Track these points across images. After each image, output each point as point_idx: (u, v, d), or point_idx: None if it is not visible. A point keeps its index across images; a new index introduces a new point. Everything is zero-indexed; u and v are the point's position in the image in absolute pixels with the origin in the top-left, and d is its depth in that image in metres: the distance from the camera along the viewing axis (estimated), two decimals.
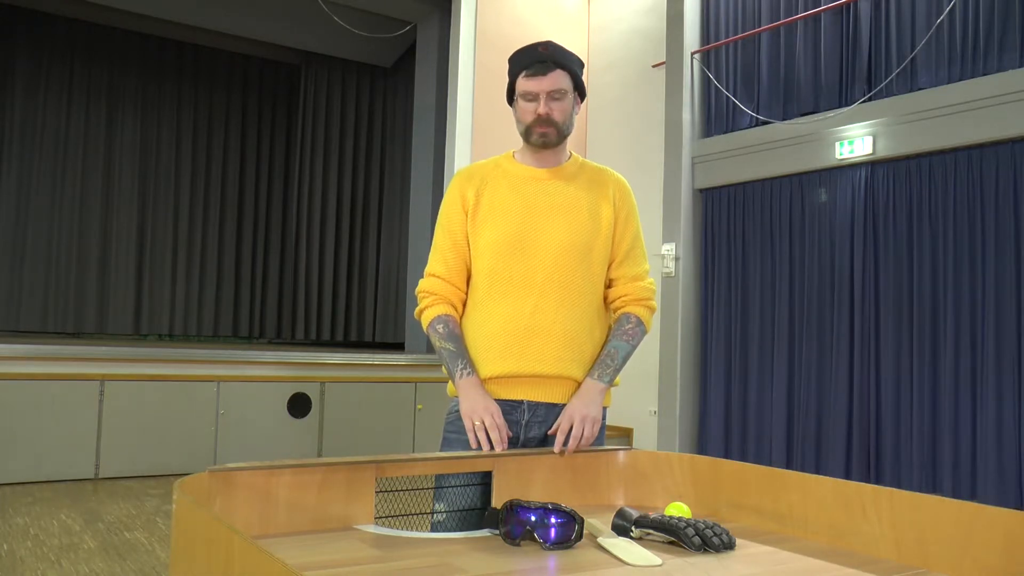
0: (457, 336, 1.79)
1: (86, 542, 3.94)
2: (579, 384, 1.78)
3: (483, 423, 1.63)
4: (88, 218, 9.09)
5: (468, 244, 1.84)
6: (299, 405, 6.29)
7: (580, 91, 1.84)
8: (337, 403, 6.42)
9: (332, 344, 9.49)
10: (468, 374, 1.73)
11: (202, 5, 8.09)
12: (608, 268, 1.87)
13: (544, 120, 1.77)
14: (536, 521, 1.29)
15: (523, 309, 1.76)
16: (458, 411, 1.75)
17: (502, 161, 1.90)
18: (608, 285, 1.88)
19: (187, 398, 5.87)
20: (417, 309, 1.87)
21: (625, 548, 1.27)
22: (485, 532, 1.38)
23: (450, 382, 1.81)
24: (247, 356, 6.32)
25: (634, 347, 1.82)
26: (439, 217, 1.90)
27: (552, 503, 1.32)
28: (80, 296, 9.04)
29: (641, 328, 1.83)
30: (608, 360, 1.77)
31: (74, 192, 9.03)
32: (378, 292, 9.50)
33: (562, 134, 1.81)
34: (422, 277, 1.87)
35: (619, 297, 1.86)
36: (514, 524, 1.31)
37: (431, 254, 1.89)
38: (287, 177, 10.31)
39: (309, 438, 6.30)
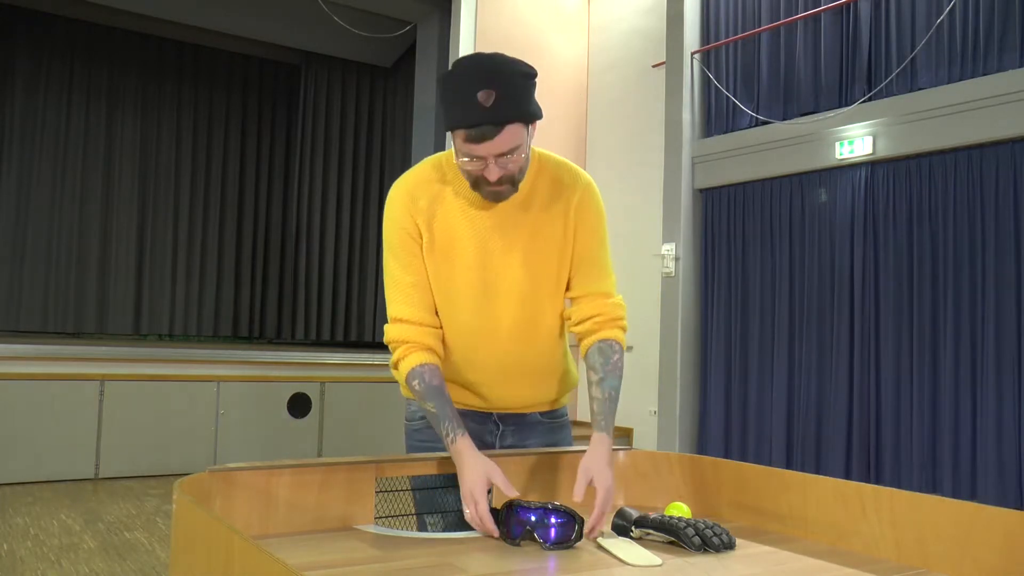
0: (437, 389, 1.52)
1: (86, 542, 3.94)
2: (549, 400, 1.74)
3: (475, 511, 1.38)
4: (88, 218, 9.09)
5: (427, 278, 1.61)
6: (299, 405, 6.29)
7: (535, 118, 1.48)
8: (337, 403, 6.42)
9: (332, 344, 9.49)
10: (460, 436, 1.46)
11: (202, 5, 8.09)
12: (568, 281, 1.64)
13: (496, 182, 1.46)
14: (536, 521, 1.29)
15: (489, 358, 1.63)
16: (422, 417, 1.68)
17: (448, 174, 1.59)
18: (571, 298, 1.65)
19: (187, 398, 5.87)
20: (391, 360, 1.62)
21: (625, 548, 1.27)
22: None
23: (402, 386, 1.67)
24: (247, 356, 6.33)
25: (621, 379, 1.61)
26: (388, 246, 1.62)
27: (552, 503, 1.32)
28: (80, 296, 9.04)
29: (623, 356, 1.62)
30: (609, 405, 1.56)
31: (74, 192, 9.03)
32: (378, 292, 9.49)
33: (518, 183, 1.51)
34: (386, 322, 1.63)
35: (589, 318, 1.61)
36: (514, 524, 1.31)
37: (390, 293, 1.63)
38: (287, 177, 10.30)
39: (309, 438, 6.30)
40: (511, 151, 1.43)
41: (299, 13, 7.85)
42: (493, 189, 1.47)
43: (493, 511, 1.36)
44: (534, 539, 1.29)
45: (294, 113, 10.13)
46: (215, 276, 9.86)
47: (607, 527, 1.39)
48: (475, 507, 1.37)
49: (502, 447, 1.71)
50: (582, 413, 6.51)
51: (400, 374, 1.59)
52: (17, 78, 8.76)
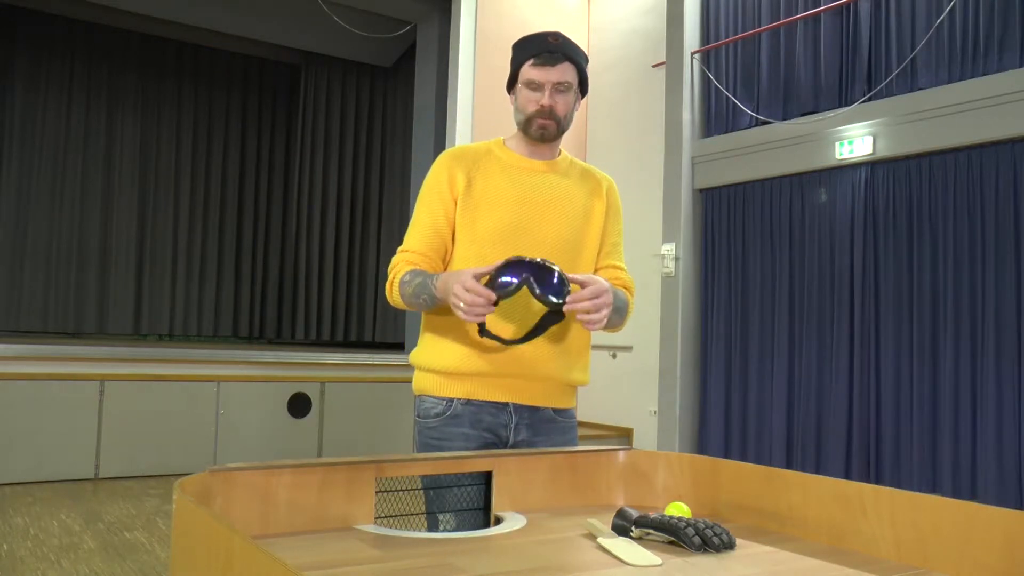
0: (419, 273, 1.69)
1: (86, 542, 3.94)
2: (559, 385, 1.79)
3: (461, 301, 1.52)
4: (88, 218, 9.10)
5: (451, 229, 1.76)
6: (299, 405, 6.29)
7: (584, 87, 1.80)
8: (337, 403, 6.42)
9: (332, 344, 9.49)
10: (438, 278, 1.64)
11: (202, 5, 8.09)
12: (596, 261, 1.86)
13: (547, 112, 1.72)
14: (523, 276, 1.32)
15: (506, 306, 1.69)
16: (436, 414, 1.74)
17: (493, 147, 1.82)
18: (597, 268, 1.86)
19: (187, 398, 5.87)
20: (387, 284, 1.77)
21: (625, 548, 1.27)
22: (486, 531, 1.37)
23: (415, 376, 1.77)
24: (247, 356, 6.33)
25: (627, 305, 1.79)
26: (422, 195, 1.79)
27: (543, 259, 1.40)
28: (80, 296, 9.04)
29: (631, 305, 1.82)
30: (616, 293, 1.71)
31: (74, 192, 9.03)
32: (378, 292, 9.49)
33: (561, 129, 1.76)
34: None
35: (610, 280, 1.81)
36: (507, 273, 1.33)
37: (409, 231, 1.78)
38: (287, 177, 10.31)
39: (309, 438, 6.30)
40: (565, 85, 1.73)
41: (299, 13, 7.86)
42: (543, 121, 1.73)
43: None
44: (528, 287, 1.36)
45: (294, 113, 10.14)
46: (215, 276, 9.87)
47: (607, 528, 1.39)
48: (462, 289, 1.51)
49: (515, 441, 1.76)
50: (584, 415, 6.52)
51: (392, 288, 1.75)
52: (17, 78, 8.77)
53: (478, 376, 1.72)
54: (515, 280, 1.31)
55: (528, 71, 1.71)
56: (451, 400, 1.75)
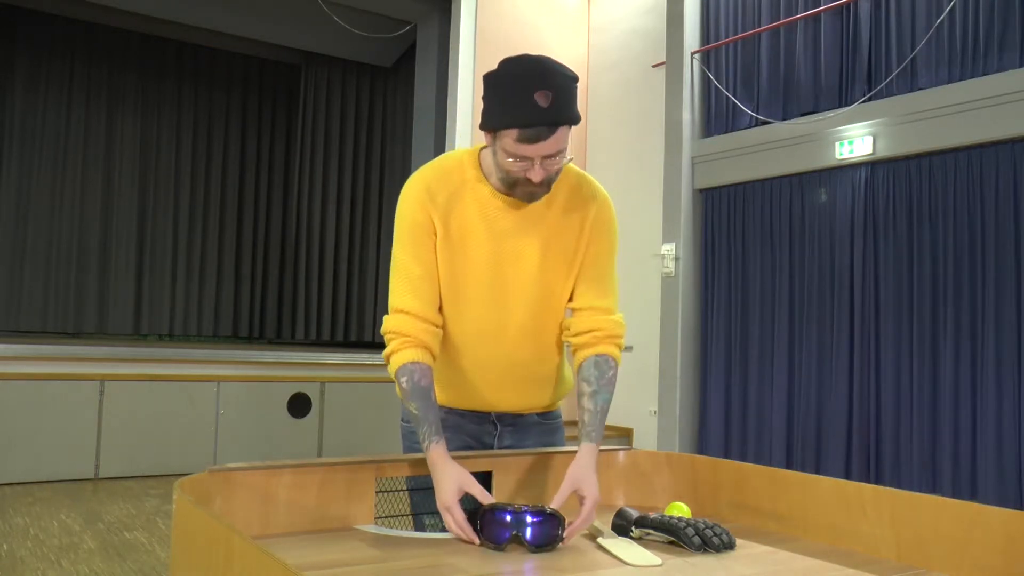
0: (424, 391, 1.50)
1: (86, 542, 3.94)
2: (544, 405, 1.76)
3: (452, 521, 1.37)
4: (88, 218, 9.10)
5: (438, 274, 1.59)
6: (299, 405, 6.29)
7: (578, 122, 1.53)
8: (337, 403, 6.42)
9: (332, 344, 9.49)
10: (435, 444, 1.45)
11: (202, 5, 8.09)
12: (572, 291, 1.64)
13: (536, 184, 1.47)
14: (516, 522, 1.28)
15: (493, 359, 1.64)
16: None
17: (469, 172, 1.58)
18: (572, 308, 1.64)
19: (187, 398, 5.87)
20: (385, 352, 1.59)
21: (625, 548, 1.27)
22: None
23: (396, 386, 1.65)
24: (247, 356, 6.32)
25: (609, 403, 1.59)
26: (400, 236, 1.58)
27: (530, 505, 1.31)
28: (80, 296, 9.04)
29: (616, 373, 1.60)
30: (600, 417, 1.54)
31: (74, 192, 9.03)
32: (378, 292, 9.49)
33: (551, 185, 1.51)
34: (386, 313, 1.61)
35: (589, 331, 1.60)
36: (496, 528, 1.29)
37: (396, 282, 1.59)
38: (287, 177, 10.31)
39: (309, 438, 6.30)
40: (559, 153, 1.44)
41: (299, 13, 7.85)
42: (531, 190, 1.48)
43: (471, 515, 1.35)
44: (519, 542, 1.29)
45: (294, 113, 10.13)
46: (215, 276, 9.87)
47: (607, 528, 1.38)
48: (452, 518, 1.36)
49: (500, 447, 1.73)
50: (573, 413, 6.51)
51: (391, 367, 1.56)
52: (17, 78, 8.77)
53: (458, 388, 1.70)
54: (506, 536, 1.28)
55: (513, 145, 1.41)
56: None
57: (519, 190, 1.49)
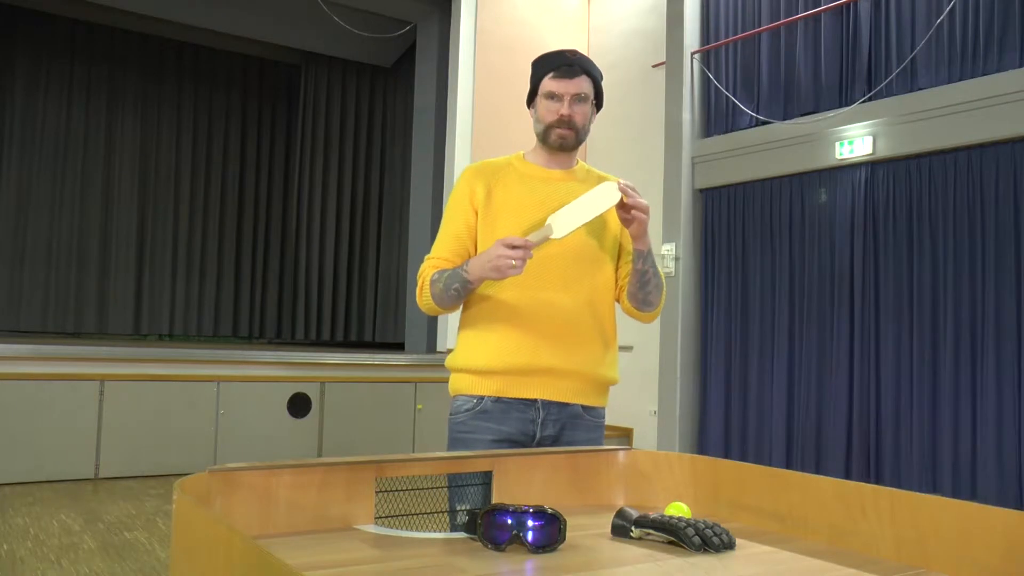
0: (443, 270, 1.82)
1: (86, 542, 3.94)
2: (590, 381, 1.85)
3: (507, 256, 1.63)
4: (88, 218, 9.10)
5: (473, 238, 1.86)
6: (299, 405, 6.29)
7: (599, 101, 1.89)
8: (337, 403, 6.42)
9: (332, 344, 9.49)
10: (467, 263, 1.76)
11: (202, 5, 8.09)
12: (617, 267, 1.91)
13: (566, 122, 1.81)
14: (516, 523, 1.28)
15: (535, 305, 1.79)
16: (467, 410, 1.82)
17: (513, 160, 1.92)
18: (618, 280, 1.92)
19: (187, 398, 5.87)
20: (417, 289, 1.88)
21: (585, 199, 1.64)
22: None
23: (450, 379, 1.85)
24: (247, 356, 6.32)
25: (658, 274, 1.86)
26: (446, 210, 1.91)
27: (532, 506, 1.31)
28: (80, 296, 9.04)
29: (663, 285, 1.91)
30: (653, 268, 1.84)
31: (74, 192, 9.03)
32: (378, 292, 9.50)
33: (579, 139, 1.85)
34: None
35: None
36: (496, 530, 1.29)
37: (435, 243, 1.91)
38: (287, 177, 10.31)
39: (309, 438, 6.30)
40: (583, 96, 1.82)
41: (299, 13, 7.86)
42: (562, 131, 1.82)
43: (471, 516, 1.34)
44: (519, 543, 1.28)
45: (294, 113, 10.14)
46: (215, 276, 9.87)
47: (608, 527, 1.39)
48: (509, 244, 1.61)
49: (541, 437, 1.82)
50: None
51: (423, 290, 1.84)
52: (17, 78, 8.77)
53: (508, 374, 1.80)
54: (507, 537, 1.29)
55: (548, 83, 1.82)
56: (481, 397, 1.84)
57: (553, 135, 1.83)
